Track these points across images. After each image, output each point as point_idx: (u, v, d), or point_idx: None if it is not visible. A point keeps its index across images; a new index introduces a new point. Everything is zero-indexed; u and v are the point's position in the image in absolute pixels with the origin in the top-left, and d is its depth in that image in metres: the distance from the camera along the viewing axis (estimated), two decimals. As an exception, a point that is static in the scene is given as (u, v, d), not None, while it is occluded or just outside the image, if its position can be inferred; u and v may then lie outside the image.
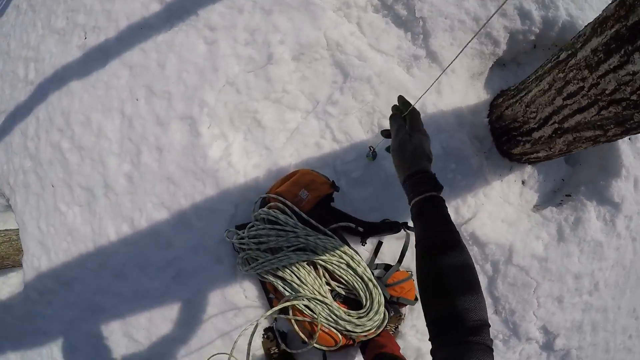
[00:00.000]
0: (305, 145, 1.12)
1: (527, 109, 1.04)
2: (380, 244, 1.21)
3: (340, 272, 1.05)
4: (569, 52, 0.83)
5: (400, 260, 1.13)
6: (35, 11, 1.76)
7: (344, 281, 1.07)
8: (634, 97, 0.69)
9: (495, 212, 1.30)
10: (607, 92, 0.75)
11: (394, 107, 0.74)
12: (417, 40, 1.24)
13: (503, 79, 1.45)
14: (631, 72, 0.66)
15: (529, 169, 1.37)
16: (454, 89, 1.29)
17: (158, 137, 1.23)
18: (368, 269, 1.07)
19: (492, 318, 1.36)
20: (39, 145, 1.59)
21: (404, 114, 0.73)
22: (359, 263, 1.06)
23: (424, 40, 1.24)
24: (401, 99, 0.73)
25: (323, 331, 1.03)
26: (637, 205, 1.42)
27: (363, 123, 1.15)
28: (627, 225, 1.42)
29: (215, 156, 1.13)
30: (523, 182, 1.42)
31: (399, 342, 1.25)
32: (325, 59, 1.14)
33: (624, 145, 1.38)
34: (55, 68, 1.55)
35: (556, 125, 0.96)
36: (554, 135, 0.99)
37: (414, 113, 0.72)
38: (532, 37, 1.32)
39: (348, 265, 1.06)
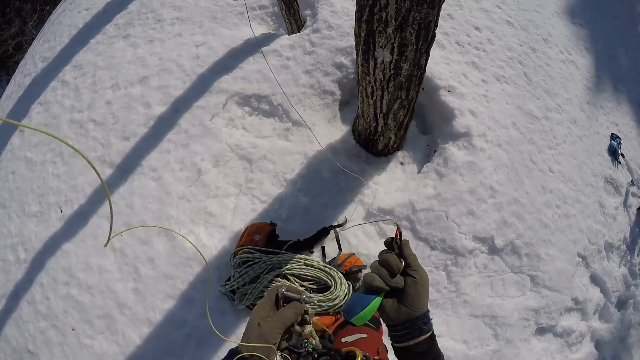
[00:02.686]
0: (245, 214, 1.73)
1: (364, 117, 1.72)
2: (323, 248, 1.80)
3: (303, 272, 1.59)
4: (358, 75, 1.53)
5: (339, 248, 1.71)
6: (6, 207, 2.19)
7: (309, 277, 1.60)
8: (390, 74, 1.38)
9: (389, 189, 1.88)
10: (382, 79, 1.42)
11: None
12: (283, 118, 1.95)
13: (352, 111, 2.17)
14: (381, 63, 1.34)
15: (399, 153, 2.04)
16: (321, 135, 1.99)
17: (146, 252, 1.75)
18: (321, 261, 1.64)
19: (431, 253, 1.74)
20: (50, 304, 1.96)
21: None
22: (312, 260, 1.61)
23: (287, 116, 1.95)
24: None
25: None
26: (484, 125, 1.91)
27: (274, 184, 1.80)
28: (486, 140, 1.90)
29: (191, 246, 1.68)
30: (401, 163, 2.07)
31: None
32: (233, 158, 1.79)
33: (448, 96, 1.95)
34: (43, 242, 1.98)
35: (381, 114, 1.60)
36: (384, 120, 1.63)
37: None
38: (352, 76, 2.07)
39: (305, 264, 1.61)
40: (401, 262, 0.66)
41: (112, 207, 1.85)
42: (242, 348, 0.62)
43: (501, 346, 1.78)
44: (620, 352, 2.16)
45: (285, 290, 0.69)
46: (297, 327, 0.70)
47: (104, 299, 1.83)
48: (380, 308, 0.66)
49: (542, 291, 1.91)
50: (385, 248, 0.69)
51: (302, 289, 1.54)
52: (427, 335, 0.65)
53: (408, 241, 0.69)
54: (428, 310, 0.66)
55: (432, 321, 0.67)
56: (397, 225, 0.71)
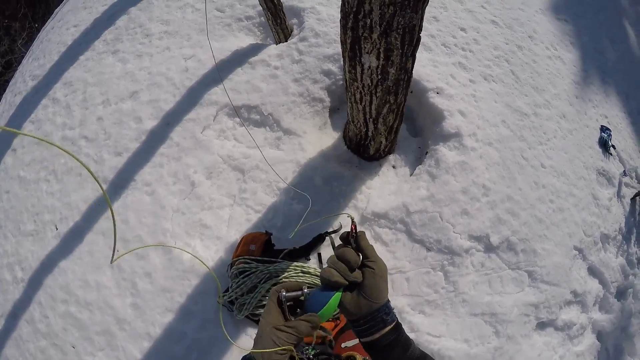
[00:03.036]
0: (240, 224, 1.74)
1: (354, 123, 1.73)
2: (319, 254, 1.81)
3: (300, 279, 1.61)
4: (346, 81, 1.55)
5: None
6: (1, 226, 2.19)
7: (307, 283, 1.63)
8: (378, 79, 1.40)
9: (382, 193, 1.89)
10: (370, 85, 1.43)
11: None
12: (274, 127, 1.97)
13: (342, 118, 2.19)
14: (368, 68, 1.35)
15: (391, 157, 2.07)
16: (311, 142, 2.00)
17: (143, 267, 1.75)
18: (317, 268, 1.66)
19: (427, 254, 1.74)
20: (49, 322, 1.96)
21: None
22: (309, 267, 1.63)
23: (278, 125, 1.97)
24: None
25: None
26: (473, 124, 1.92)
27: (267, 193, 1.81)
28: (476, 139, 1.92)
29: (188, 259, 1.68)
30: (394, 167, 2.10)
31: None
32: (226, 169, 1.80)
33: (436, 98, 1.98)
34: (40, 260, 1.98)
35: (371, 119, 1.62)
36: (374, 125, 1.65)
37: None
38: (341, 82, 2.09)
39: (302, 272, 1.62)
40: (359, 255, 0.67)
41: (109, 221, 1.86)
42: (256, 355, 0.61)
43: (502, 343, 1.79)
44: (623, 341, 2.16)
45: (285, 293, 0.67)
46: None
47: (103, 315, 1.83)
48: (340, 303, 0.65)
49: (541, 286, 1.92)
50: (342, 243, 0.69)
51: (300, 280, 1.55)
52: (391, 326, 0.64)
53: (364, 232, 0.69)
54: (389, 301, 0.66)
55: (394, 311, 0.66)
56: (352, 218, 0.70)
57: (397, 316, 0.66)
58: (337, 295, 0.64)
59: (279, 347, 0.60)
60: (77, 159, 0.41)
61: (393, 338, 0.64)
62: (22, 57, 3.45)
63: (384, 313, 0.64)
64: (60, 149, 0.40)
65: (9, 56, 5.16)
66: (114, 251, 0.50)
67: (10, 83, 3.02)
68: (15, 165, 2.32)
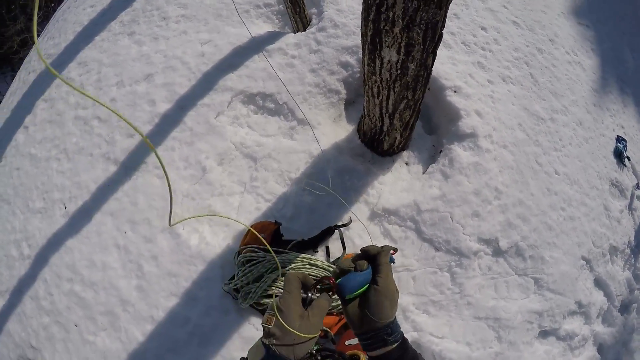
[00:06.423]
0: (249, 212, 1.73)
1: (370, 117, 1.72)
2: (327, 247, 1.80)
3: (307, 271, 1.60)
4: (364, 74, 1.53)
5: (344, 248, 1.70)
6: (10, 203, 2.20)
7: (313, 276, 1.62)
8: (397, 74, 1.38)
9: (394, 189, 1.87)
10: (389, 79, 1.41)
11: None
12: (288, 117, 1.95)
13: (357, 110, 2.16)
14: (388, 63, 1.33)
15: (405, 153, 2.04)
16: (326, 134, 1.98)
17: (150, 250, 1.75)
18: (325, 261, 1.64)
19: (435, 254, 1.73)
20: (53, 300, 1.97)
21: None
22: (316, 260, 1.61)
23: (292, 115, 1.95)
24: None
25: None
26: (489, 126, 1.90)
27: (279, 183, 1.80)
28: (491, 141, 1.90)
29: (195, 244, 1.68)
30: (407, 164, 2.06)
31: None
32: (238, 156, 1.79)
33: (454, 96, 1.95)
34: (47, 238, 1.99)
35: (387, 114, 1.60)
36: (390, 120, 1.63)
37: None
38: (358, 75, 2.07)
39: (310, 264, 1.61)
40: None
41: (117, 202, 1.85)
42: (296, 338, 0.60)
43: (504, 349, 1.77)
44: (623, 356, 2.15)
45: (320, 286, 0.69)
46: None
47: (108, 295, 1.83)
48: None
49: (546, 294, 1.90)
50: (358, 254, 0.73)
51: (307, 272, 1.54)
52: (393, 346, 0.64)
53: (389, 249, 0.70)
54: (394, 321, 0.66)
55: (400, 330, 0.66)
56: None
57: (402, 330, 0.67)
58: (366, 287, 0.67)
59: (312, 332, 0.61)
60: (129, 123, 0.40)
61: (397, 356, 0.64)
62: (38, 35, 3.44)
63: (385, 333, 0.64)
64: (116, 113, 0.38)
65: (25, 34, 5.17)
66: (170, 214, 0.51)
67: (25, 61, 3.02)
68: (27, 143, 2.33)
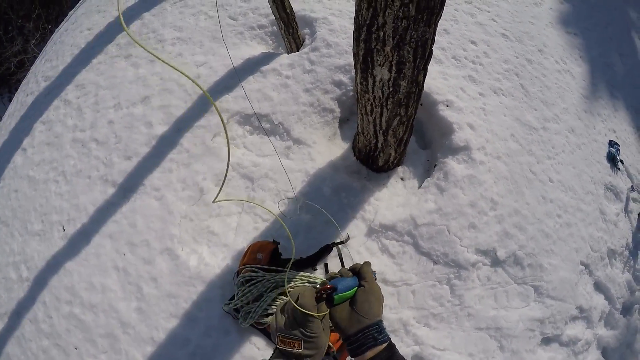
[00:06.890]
0: (247, 232, 1.74)
1: (364, 134, 1.74)
2: (326, 265, 1.81)
3: None
4: (357, 93, 1.55)
5: (342, 265, 1.71)
6: (8, 225, 2.20)
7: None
8: (389, 92, 1.41)
9: (390, 205, 1.91)
10: (381, 97, 1.44)
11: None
12: (284, 137, 1.97)
13: (351, 128, 2.19)
14: (380, 81, 1.35)
15: (400, 169, 2.08)
16: (321, 152, 2.01)
17: (150, 271, 1.75)
18: (324, 278, 1.65)
19: (433, 267, 1.74)
20: (52, 322, 1.96)
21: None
22: (315, 277, 1.62)
23: (288, 134, 1.97)
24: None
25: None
26: (482, 138, 1.92)
27: (275, 202, 1.81)
28: (485, 152, 1.92)
29: (194, 265, 1.69)
30: (402, 179, 2.11)
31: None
32: (235, 177, 1.81)
33: (447, 111, 1.98)
34: (46, 260, 1.99)
35: (381, 131, 1.62)
36: (384, 137, 1.65)
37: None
38: (351, 93, 2.11)
39: (309, 282, 1.61)
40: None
41: (116, 224, 1.86)
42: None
43: (507, 358, 1.77)
44: (628, 358, 2.14)
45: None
46: None
47: (107, 318, 1.83)
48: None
49: (546, 301, 1.90)
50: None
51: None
52: (383, 346, 0.66)
53: (370, 263, 0.79)
54: (381, 321, 0.70)
55: (387, 331, 0.70)
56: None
57: (392, 335, 0.73)
58: (354, 290, 0.75)
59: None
60: (195, 82, 0.42)
61: (386, 358, 0.66)
62: (35, 57, 3.49)
63: (376, 331, 0.68)
64: (183, 74, 0.40)
65: (22, 56, 5.22)
66: (219, 191, 0.55)
67: (23, 83, 3.06)
68: (25, 165, 2.35)
